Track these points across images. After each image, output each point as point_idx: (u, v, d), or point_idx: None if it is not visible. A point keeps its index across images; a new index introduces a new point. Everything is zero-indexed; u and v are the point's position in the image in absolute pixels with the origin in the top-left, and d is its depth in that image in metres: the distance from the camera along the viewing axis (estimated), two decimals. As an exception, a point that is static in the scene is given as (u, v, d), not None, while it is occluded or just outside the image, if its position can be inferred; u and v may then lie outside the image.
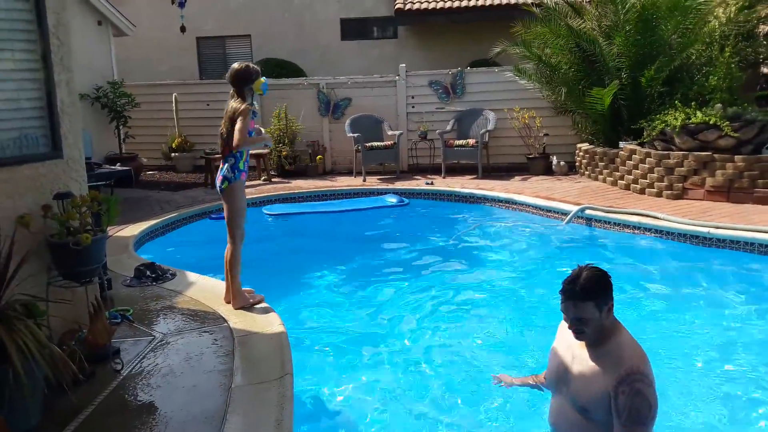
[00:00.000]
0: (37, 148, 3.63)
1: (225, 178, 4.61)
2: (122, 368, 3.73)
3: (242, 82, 4.62)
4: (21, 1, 3.48)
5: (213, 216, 8.13)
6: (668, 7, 8.84)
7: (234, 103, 4.56)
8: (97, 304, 3.86)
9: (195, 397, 3.39)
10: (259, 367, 3.77)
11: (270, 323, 4.39)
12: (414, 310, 5.37)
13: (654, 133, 8.58)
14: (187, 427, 3.09)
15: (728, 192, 7.88)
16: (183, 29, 9.38)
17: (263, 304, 4.74)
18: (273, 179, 10.96)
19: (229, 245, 4.72)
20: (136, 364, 3.81)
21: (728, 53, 8.58)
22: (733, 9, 8.80)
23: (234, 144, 4.52)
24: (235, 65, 4.67)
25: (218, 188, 4.71)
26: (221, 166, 4.65)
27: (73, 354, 3.40)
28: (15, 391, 2.91)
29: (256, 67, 4.74)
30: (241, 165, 4.65)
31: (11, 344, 2.88)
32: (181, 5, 8.89)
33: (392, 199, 9.29)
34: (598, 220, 7.64)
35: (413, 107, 11.65)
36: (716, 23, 9.22)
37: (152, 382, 3.58)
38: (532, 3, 10.47)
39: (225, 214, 4.75)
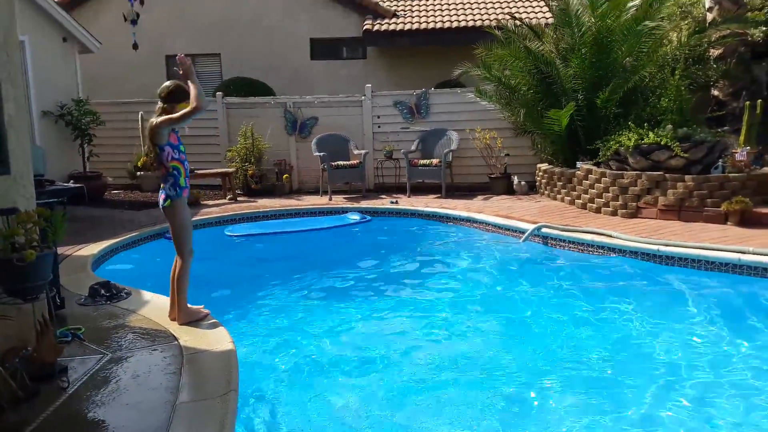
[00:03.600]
0: (-18, 165, 3.65)
1: (168, 197, 4.62)
2: (68, 386, 3.73)
3: (173, 98, 4.59)
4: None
5: (167, 236, 8.12)
6: (622, 31, 9.16)
7: (152, 119, 4.53)
8: (44, 322, 3.87)
9: (139, 414, 3.41)
10: (205, 384, 3.80)
11: (219, 341, 4.42)
12: (371, 327, 5.45)
13: (609, 153, 8.84)
14: (127, 442, 3.12)
15: (679, 210, 8.14)
16: (135, 47, 9.44)
17: (211, 320, 4.76)
18: (239, 198, 10.99)
19: (178, 261, 4.75)
20: (83, 382, 3.81)
21: (678, 76, 8.90)
22: (685, 33, 9.14)
23: (196, 108, 4.44)
24: (172, 83, 4.64)
25: (161, 207, 4.69)
26: (162, 185, 4.65)
27: (15, 373, 3.41)
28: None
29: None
30: (182, 182, 4.65)
31: (-52, 363, 2.89)
32: (133, 23, 8.94)
33: (354, 217, 9.39)
34: (554, 239, 7.83)
35: (379, 127, 11.82)
36: (669, 47, 9.56)
37: (98, 399, 3.60)
38: (495, 26, 10.73)
39: (171, 232, 4.78)
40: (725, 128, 9.89)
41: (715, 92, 10.57)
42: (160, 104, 4.61)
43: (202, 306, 4.90)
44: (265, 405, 4.17)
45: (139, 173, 11.87)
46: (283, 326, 5.54)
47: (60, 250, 6.34)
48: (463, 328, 5.43)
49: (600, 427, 3.78)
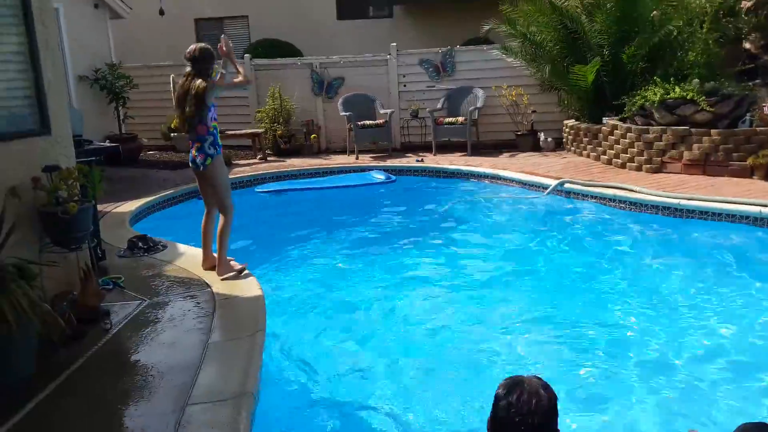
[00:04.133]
0: (27, 125, 3.94)
1: (207, 155, 4.86)
2: (111, 328, 4.08)
3: (206, 62, 4.79)
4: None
5: (200, 197, 8.41)
6: (648, -16, 9.02)
7: (200, 82, 4.69)
8: (87, 269, 4.21)
9: (175, 351, 3.74)
10: (234, 325, 4.11)
11: (249, 287, 4.73)
12: (393, 280, 5.67)
13: (634, 109, 8.80)
14: (165, 375, 3.44)
15: (704, 165, 8.11)
16: (162, 12, 9.68)
17: (245, 272, 5.06)
18: (268, 158, 11.25)
19: (221, 218, 4.99)
20: (124, 324, 4.16)
21: (706, 29, 8.75)
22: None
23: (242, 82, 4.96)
24: (200, 45, 4.82)
25: (200, 165, 4.89)
26: (197, 145, 4.84)
27: (64, 314, 3.75)
28: (9, 344, 3.26)
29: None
30: (219, 140, 4.94)
31: (4, 301, 3.21)
32: None
33: (379, 176, 9.58)
34: (577, 193, 7.92)
35: (405, 86, 11.88)
36: (698, 0, 9.35)
37: (137, 339, 3.93)
38: (520, -19, 10.60)
39: (210, 190, 5.02)
40: (756, 82, 9.67)
41: (747, 45, 10.30)
42: (189, 69, 4.79)
43: (232, 258, 5.18)
44: (287, 343, 4.46)
45: (173, 134, 12.19)
46: (307, 276, 5.84)
47: (100, 208, 6.67)
48: (482, 278, 5.63)
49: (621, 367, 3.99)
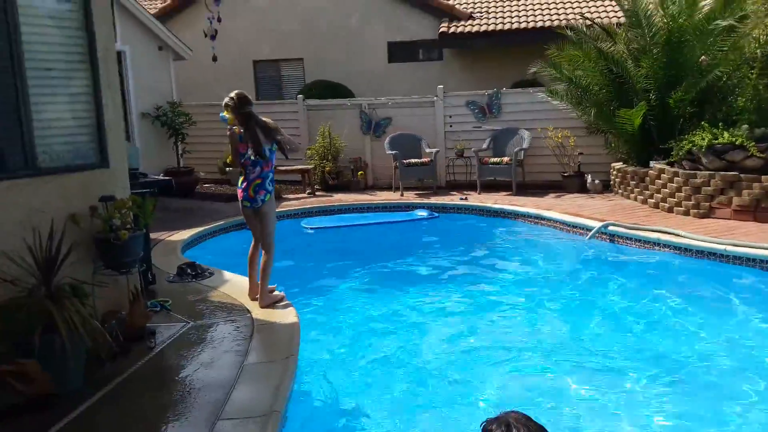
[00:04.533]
0: (88, 159, 4.31)
1: (267, 191, 5.15)
2: (155, 346, 4.33)
3: (242, 108, 5.14)
4: (75, 36, 4.20)
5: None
6: (694, 31, 9.02)
7: (269, 120, 5.14)
8: (135, 291, 4.50)
9: (213, 370, 3.95)
10: (270, 348, 4.31)
11: (286, 315, 4.93)
12: (432, 316, 5.78)
13: (682, 153, 8.74)
14: (201, 392, 3.65)
15: (755, 211, 7.94)
16: (215, 59, 10.37)
17: (285, 301, 5.27)
18: (317, 193, 11.60)
19: (264, 251, 5.24)
20: (168, 344, 4.41)
21: (756, 74, 8.67)
22: (762, 30, 8.88)
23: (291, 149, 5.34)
24: (236, 93, 5.18)
25: (260, 201, 5.14)
26: (258, 181, 5.11)
27: (112, 331, 4.02)
28: (61, 357, 3.53)
29: None
30: (274, 177, 5.26)
31: (59, 317, 3.50)
32: (213, 38, 9.88)
33: (422, 213, 9.75)
34: (621, 236, 7.86)
35: (451, 126, 12.11)
36: (748, 46, 9.29)
37: (178, 358, 4.17)
38: (566, 26, 10.78)
39: (261, 224, 5.25)
40: (812, 127, 9.49)
41: (801, 90, 10.15)
42: (248, 109, 5.12)
43: (274, 286, 5.40)
44: (317, 368, 4.60)
45: (228, 169, 12.72)
46: (345, 307, 6.00)
47: (154, 236, 7.08)
48: (517, 319, 5.67)
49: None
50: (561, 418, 3.85)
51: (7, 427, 3.27)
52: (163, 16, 14.90)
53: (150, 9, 14.02)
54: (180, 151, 12.28)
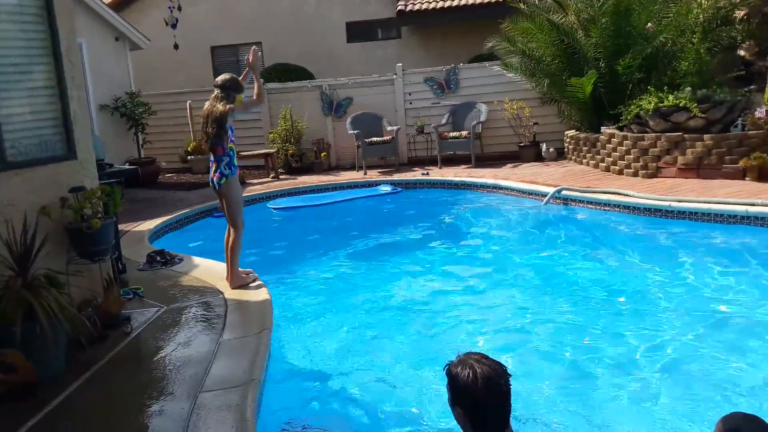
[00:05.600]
0: (55, 152, 4.42)
1: (223, 175, 5.26)
2: (131, 331, 4.50)
3: (232, 89, 5.32)
4: (38, 32, 4.28)
5: (215, 215, 8.81)
6: (639, 0, 9.37)
7: (220, 106, 5.18)
8: (109, 279, 4.65)
9: (190, 349, 4.14)
10: (244, 325, 4.51)
11: (258, 293, 5.13)
12: (398, 287, 6.02)
13: (630, 117, 9.12)
14: (181, 368, 3.84)
15: (698, 169, 8.39)
16: (176, 47, 10.40)
17: (257, 282, 5.45)
18: (281, 176, 11.73)
19: (231, 233, 5.41)
20: (143, 328, 4.58)
21: (697, 39, 9.06)
22: (706, -3, 9.26)
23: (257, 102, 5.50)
24: (230, 75, 5.32)
25: (216, 185, 5.29)
26: (215, 165, 5.26)
27: (89, 317, 4.17)
28: (42, 343, 3.69)
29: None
30: (235, 161, 5.36)
31: (37, 305, 3.64)
32: (174, 27, 9.90)
33: (386, 188, 10.01)
34: (574, 200, 8.24)
35: (411, 103, 12.33)
36: (696, 11, 9.65)
37: (155, 339, 4.35)
38: (520, 0, 11.01)
39: (225, 207, 5.43)
40: (752, 87, 9.94)
41: (742, 52, 10.59)
42: (217, 92, 5.24)
43: (250, 270, 5.55)
44: (291, 342, 4.84)
45: (190, 157, 12.74)
46: (315, 283, 6.23)
47: (121, 227, 7.15)
48: (480, 285, 5.97)
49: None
50: (519, 367, 4.15)
51: (-5, 415, 3.43)
52: (117, 5, 14.69)
53: (102, -1, 13.81)
54: (140, 142, 12.25)
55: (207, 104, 5.28)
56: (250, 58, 5.51)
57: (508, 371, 2.09)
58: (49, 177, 4.39)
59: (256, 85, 5.51)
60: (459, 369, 2.06)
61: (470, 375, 2.02)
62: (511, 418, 2.07)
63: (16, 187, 4.13)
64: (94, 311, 4.35)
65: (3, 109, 4.11)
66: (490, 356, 2.13)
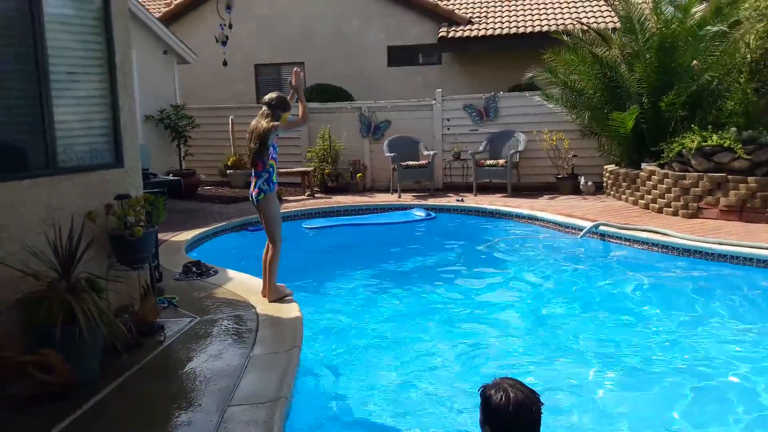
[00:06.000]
0: (104, 159, 4.55)
1: (261, 191, 5.36)
2: (164, 340, 4.56)
3: (279, 108, 5.45)
4: (95, 42, 4.44)
5: (251, 228, 8.95)
6: (686, 37, 9.28)
7: (264, 123, 5.32)
8: (146, 287, 4.74)
9: (220, 361, 4.18)
10: (274, 341, 4.53)
11: (290, 310, 5.16)
12: (426, 312, 6.00)
13: (672, 155, 8.99)
14: (211, 381, 3.87)
15: (741, 212, 8.21)
16: (225, 64, 10.71)
17: (291, 297, 5.49)
18: (316, 195, 11.84)
19: (270, 248, 5.48)
20: (176, 337, 4.63)
21: (745, 79, 8.93)
22: (753, 36, 9.13)
23: (301, 122, 5.66)
24: (277, 94, 5.47)
25: (254, 200, 5.40)
26: (254, 180, 5.38)
27: (125, 323, 4.25)
28: (80, 347, 3.76)
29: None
30: (274, 178, 5.44)
31: (78, 309, 3.72)
32: (224, 44, 10.18)
33: (420, 213, 10.00)
34: (611, 236, 8.11)
35: (448, 129, 12.38)
36: (744, 50, 9.53)
37: (187, 350, 4.39)
38: (562, 31, 11.03)
39: (263, 222, 5.52)
40: (801, 131, 9.74)
41: (791, 95, 10.41)
42: (264, 109, 5.38)
43: (284, 285, 5.60)
44: (320, 360, 4.84)
45: (229, 171, 12.97)
46: (344, 303, 6.25)
47: (159, 236, 7.29)
48: (509, 315, 5.91)
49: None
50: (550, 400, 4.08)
51: (28, 415, 3.48)
52: (167, 20, 15.14)
53: (155, 12, 14.25)
54: (182, 154, 12.52)
55: (254, 120, 5.40)
56: (294, 80, 5.66)
57: (541, 400, 2.12)
58: (96, 183, 4.51)
59: (300, 106, 5.62)
60: (493, 391, 2.12)
61: (503, 399, 2.08)
62: None
63: (66, 191, 4.26)
64: (130, 318, 4.43)
65: (57, 115, 4.25)
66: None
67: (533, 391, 2.15)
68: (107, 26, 4.51)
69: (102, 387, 3.78)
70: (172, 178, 8.54)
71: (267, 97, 5.45)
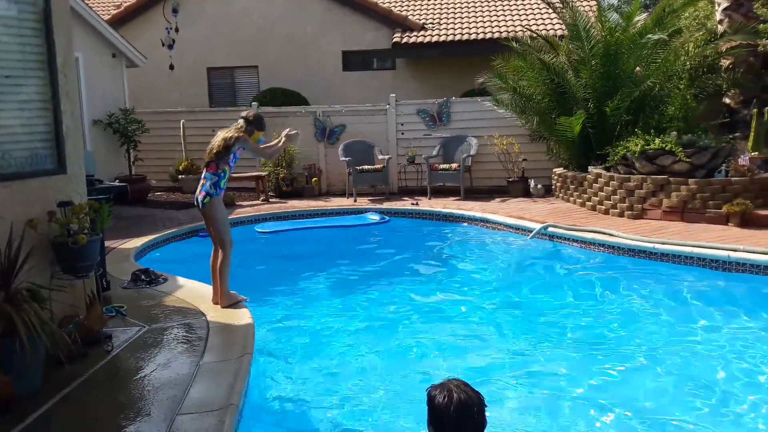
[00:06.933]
0: (45, 165, 4.44)
1: (207, 194, 5.31)
2: (112, 349, 4.47)
3: (254, 125, 5.46)
4: (35, 45, 4.33)
5: (201, 234, 8.80)
6: (629, 44, 9.60)
7: (234, 131, 5.34)
8: (92, 296, 4.64)
9: (169, 371, 4.12)
10: (225, 348, 4.49)
11: (241, 316, 5.12)
12: (380, 315, 6.04)
13: (617, 158, 9.28)
14: (159, 390, 3.81)
15: (682, 212, 8.52)
16: (171, 67, 10.58)
17: (243, 303, 5.44)
18: (271, 200, 11.76)
19: (219, 253, 5.41)
20: (124, 347, 4.55)
21: (684, 85, 9.29)
22: (691, 45, 9.52)
23: (268, 154, 5.93)
24: (256, 112, 5.65)
25: (200, 204, 5.34)
26: (202, 182, 5.33)
27: (70, 334, 4.15)
28: (21, 359, 3.66)
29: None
30: (222, 183, 5.39)
31: (18, 320, 3.62)
32: (170, 47, 10.05)
33: (374, 217, 10.06)
34: (560, 237, 8.32)
35: (402, 134, 12.48)
36: (679, 58, 9.93)
37: (135, 359, 4.32)
38: (512, 38, 11.26)
39: (210, 227, 5.47)
40: (737, 135, 10.19)
41: (727, 100, 10.86)
42: (241, 123, 5.42)
43: (235, 293, 5.54)
44: (273, 366, 4.82)
45: (180, 176, 12.75)
46: (298, 308, 6.24)
47: (107, 244, 7.12)
48: (460, 313, 6.01)
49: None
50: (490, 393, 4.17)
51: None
52: (116, 22, 14.82)
53: (103, 15, 13.93)
54: (132, 159, 12.26)
55: (225, 129, 5.45)
56: (289, 136, 5.88)
57: (485, 402, 2.15)
58: (37, 190, 4.40)
59: (276, 147, 5.85)
60: (437, 392, 2.15)
61: (446, 399, 2.11)
62: None
63: (4, 198, 4.13)
64: (75, 328, 4.33)
65: (-5, 120, 4.14)
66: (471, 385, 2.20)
67: (478, 394, 2.16)
68: (47, 28, 4.40)
69: (45, 400, 3.67)
70: (117, 184, 8.36)
71: (245, 113, 5.55)
